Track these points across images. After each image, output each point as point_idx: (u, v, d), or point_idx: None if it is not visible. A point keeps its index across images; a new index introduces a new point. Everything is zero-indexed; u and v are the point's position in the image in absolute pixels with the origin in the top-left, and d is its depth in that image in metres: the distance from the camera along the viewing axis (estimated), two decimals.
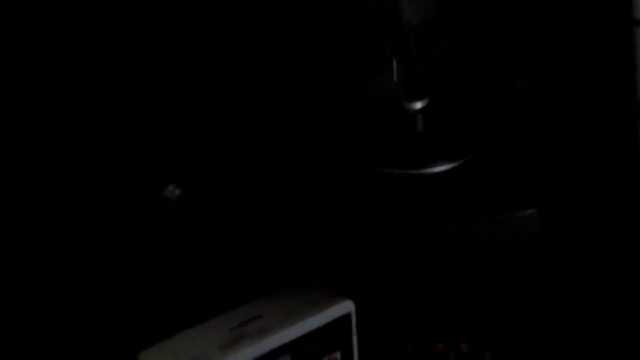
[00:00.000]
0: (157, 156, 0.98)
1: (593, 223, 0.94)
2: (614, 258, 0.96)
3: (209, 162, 0.97)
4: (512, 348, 0.98)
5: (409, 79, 0.90)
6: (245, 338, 0.89)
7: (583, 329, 0.98)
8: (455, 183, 0.88)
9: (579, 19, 0.95)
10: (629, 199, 0.90)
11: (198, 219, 0.91)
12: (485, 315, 1.01)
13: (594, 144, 0.92)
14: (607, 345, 0.97)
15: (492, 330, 1.00)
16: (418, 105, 0.91)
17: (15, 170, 0.98)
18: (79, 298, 0.98)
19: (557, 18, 0.95)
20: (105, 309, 0.98)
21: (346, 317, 0.94)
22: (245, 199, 0.91)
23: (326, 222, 0.86)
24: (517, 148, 0.92)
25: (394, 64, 0.88)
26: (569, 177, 0.90)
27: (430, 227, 0.85)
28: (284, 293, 0.94)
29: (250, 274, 0.94)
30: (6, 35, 0.96)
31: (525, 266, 1.00)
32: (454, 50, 0.96)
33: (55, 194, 0.98)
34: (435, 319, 1.02)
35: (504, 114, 0.95)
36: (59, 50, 0.97)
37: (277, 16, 0.98)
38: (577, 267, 0.99)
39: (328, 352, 0.94)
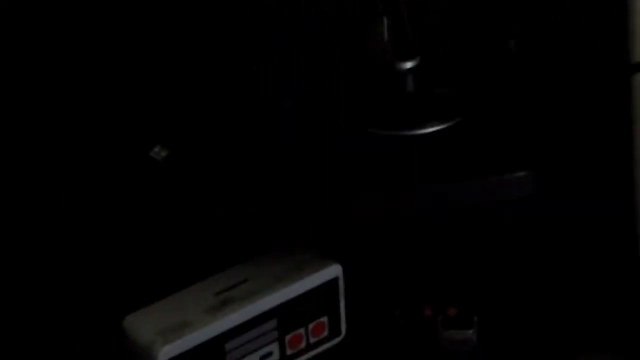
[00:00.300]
0: (143, 116, 0.97)
1: (585, 185, 0.94)
2: (605, 221, 0.96)
3: (196, 122, 0.96)
4: (499, 312, 0.98)
5: (399, 38, 0.88)
6: (231, 302, 0.88)
7: (570, 292, 0.98)
8: (447, 144, 0.87)
9: None
10: (620, 160, 0.90)
11: (185, 180, 0.90)
12: (473, 279, 1.00)
13: (588, 103, 0.91)
14: (596, 309, 0.97)
15: (480, 295, 0.99)
16: (408, 64, 0.89)
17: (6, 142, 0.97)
18: (67, 266, 0.97)
19: None
20: (91, 272, 0.97)
21: (333, 282, 0.93)
22: (232, 160, 0.90)
23: (314, 184, 0.85)
24: (509, 108, 0.91)
25: (385, 22, 0.87)
26: (562, 137, 0.90)
27: (421, 189, 0.84)
28: (271, 256, 0.93)
29: (236, 236, 0.93)
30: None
31: (516, 228, 1.00)
32: (447, 10, 0.95)
33: (41, 162, 0.97)
34: (423, 283, 1.01)
35: (496, 73, 0.94)
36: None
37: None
38: (567, 230, 0.99)
39: (315, 317, 0.93)
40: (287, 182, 0.87)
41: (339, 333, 0.96)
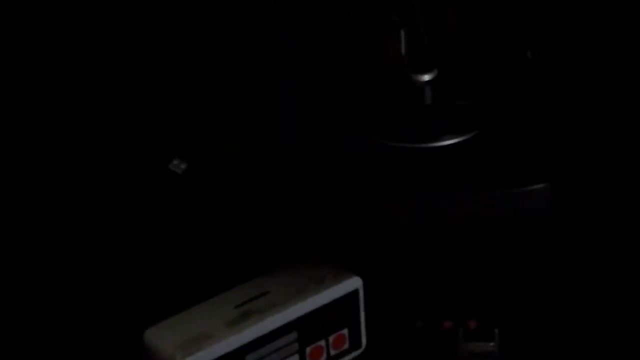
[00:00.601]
0: (161, 129, 0.98)
1: (604, 198, 0.93)
2: (623, 233, 0.95)
3: (214, 136, 0.96)
4: (520, 325, 0.98)
5: (416, 51, 0.89)
6: (251, 315, 0.88)
7: (592, 305, 0.97)
8: (466, 156, 0.87)
9: None
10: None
11: (204, 193, 0.90)
12: (494, 292, 1.00)
13: (604, 114, 0.91)
14: (615, 323, 0.96)
15: (501, 307, 0.99)
16: (426, 77, 0.89)
17: (14, 145, 0.98)
18: (89, 281, 0.97)
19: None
20: (112, 285, 0.98)
21: (354, 294, 0.93)
22: (251, 174, 0.90)
23: (334, 197, 0.85)
24: (526, 120, 0.91)
25: (402, 35, 0.87)
26: (580, 150, 0.89)
27: (439, 200, 0.83)
28: (291, 269, 0.94)
29: (257, 249, 0.93)
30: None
31: (535, 241, 0.99)
32: (463, 21, 0.95)
33: (60, 171, 0.98)
34: (444, 295, 1.01)
35: (514, 86, 0.94)
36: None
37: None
38: (588, 242, 0.98)
39: (335, 329, 0.93)
40: (307, 193, 0.87)
41: (359, 345, 0.95)
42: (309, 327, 0.90)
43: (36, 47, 0.97)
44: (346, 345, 0.94)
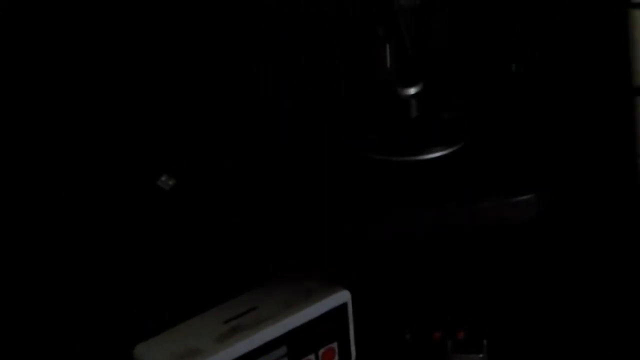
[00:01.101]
0: (149, 145, 0.98)
1: (590, 209, 0.94)
2: (609, 244, 0.96)
3: (204, 151, 0.96)
4: (509, 336, 0.98)
5: (402, 64, 0.89)
6: (240, 330, 0.88)
7: (580, 316, 0.97)
8: (452, 168, 0.87)
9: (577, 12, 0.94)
10: (626, 185, 0.89)
11: (192, 209, 0.90)
12: (483, 303, 1.00)
13: (591, 126, 0.91)
14: (604, 334, 0.96)
15: (490, 318, 0.99)
16: (412, 90, 0.90)
17: (11, 158, 0.98)
18: (78, 297, 0.97)
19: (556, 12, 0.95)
20: (101, 301, 0.98)
21: (342, 307, 0.93)
22: (239, 189, 0.91)
23: (321, 211, 0.86)
24: (513, 132, 0.92)
25: (387, 48, 0.87)
26: (566, 162, 0.90)
27: (424, 215, 0.84)
28: (279, 283, 0.94)
29: (245, 264, 0.93)
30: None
31: (522, 252, 1.00)
32: (448, 34, 0.95)
33: (49, 187, 0.98)
34: (433, 307, 1.01)
35: (500, 98, 0.95)
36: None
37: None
38: (574, 253, 0.98)
39: (325, 343, 0.93)
40: (292, 209, 0.87)
41: (349, 358, 0.96)
42: (298, 341, 0.90)
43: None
44: (336, 359, 0.94)
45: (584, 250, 0.98)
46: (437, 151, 0.89)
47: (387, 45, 0.88)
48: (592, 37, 0.94)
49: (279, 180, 0.91)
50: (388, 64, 0.89)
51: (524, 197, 0.86)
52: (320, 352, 0.93)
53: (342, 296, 0.93)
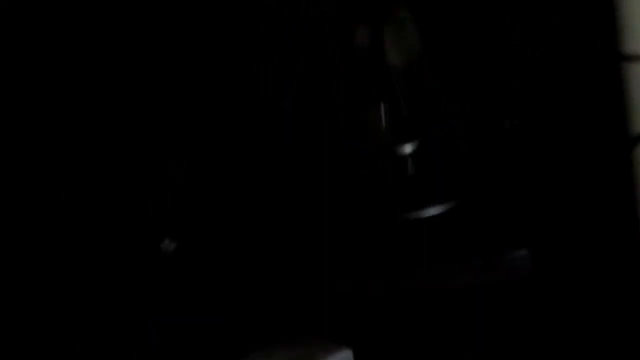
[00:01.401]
0: (152, 209, 0.97)
1: (584, 265, 0.92)
2: (604, 299, 0.94)
3: (204, 214, 0.96)
4: None
5: (397, 123, 0.86)
6: None
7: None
8: (446, 225, 0.86)
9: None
10: (621, 241, 0.87)
11: (194, 270, 0.90)
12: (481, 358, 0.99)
13: (585, 183, 0.89)
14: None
15: None
16: (408, 148, 0.87)
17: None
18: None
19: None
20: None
21: None
22: (240, 250, 0.90)
23: (322, 271, 0.85)
24: (508, 189, 0.89)
25: (382, 108, 0.85)
26: (560, 218, 0.87)
27: (423, 271, 0.83)
28: (281, 345, 0.93)
29: (246, 327, 0.93)
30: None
31: (518, 307, 0.98)
32: (440, 89, 0.92)
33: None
34: None
35: (493, 154, 0.92)
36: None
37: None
38: (568, 308, 0.96)
39: None
40: (295, 271, 0.86)
41: None
42: None
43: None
44: None
45: (578, 302, 0.96)
46: (431, 210, 0.88)
47: (382, 106, 0.85)
48: (586, 89, 0.89)
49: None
50: (383, 124, 0.86)
51: (519, 253, 0.85)
52: None
53: (345, 356, 0.92)
